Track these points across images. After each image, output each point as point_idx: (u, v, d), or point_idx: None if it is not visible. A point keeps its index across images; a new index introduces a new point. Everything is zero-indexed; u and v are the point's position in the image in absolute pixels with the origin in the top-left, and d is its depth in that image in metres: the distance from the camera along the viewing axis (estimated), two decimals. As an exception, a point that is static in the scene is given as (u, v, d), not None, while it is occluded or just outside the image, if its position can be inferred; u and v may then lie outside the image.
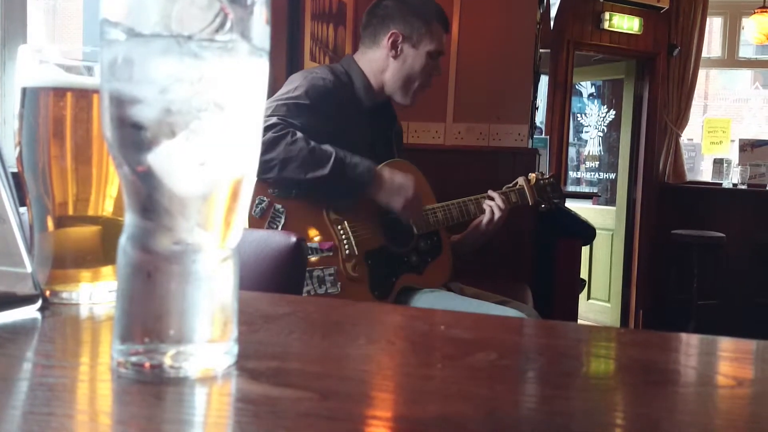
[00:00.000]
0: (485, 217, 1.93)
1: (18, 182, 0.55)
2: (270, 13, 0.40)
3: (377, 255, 1.79)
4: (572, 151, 6.31)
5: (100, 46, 0.38)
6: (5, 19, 1.75)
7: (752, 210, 5.20)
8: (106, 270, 0.57)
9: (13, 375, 0.39)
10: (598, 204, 5.87)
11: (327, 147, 1.67)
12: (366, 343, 0.49)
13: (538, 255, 3.12)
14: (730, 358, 0.51)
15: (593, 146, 6.25)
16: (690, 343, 0.55)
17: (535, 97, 3.47)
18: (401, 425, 0.34)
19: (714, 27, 6.30)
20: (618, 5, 5.01)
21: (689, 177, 5.69)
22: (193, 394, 0.37)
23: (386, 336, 0.52)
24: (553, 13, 4.73)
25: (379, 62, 1.89)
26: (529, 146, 3.25)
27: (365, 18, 1.95)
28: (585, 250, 4.70)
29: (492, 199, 1.93)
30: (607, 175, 6.07)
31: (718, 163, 5.59)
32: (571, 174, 6.24)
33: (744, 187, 5.30)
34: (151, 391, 0.36)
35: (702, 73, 5.75)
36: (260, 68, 0.40)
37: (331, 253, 1.71)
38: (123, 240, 0.40)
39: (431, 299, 1.80)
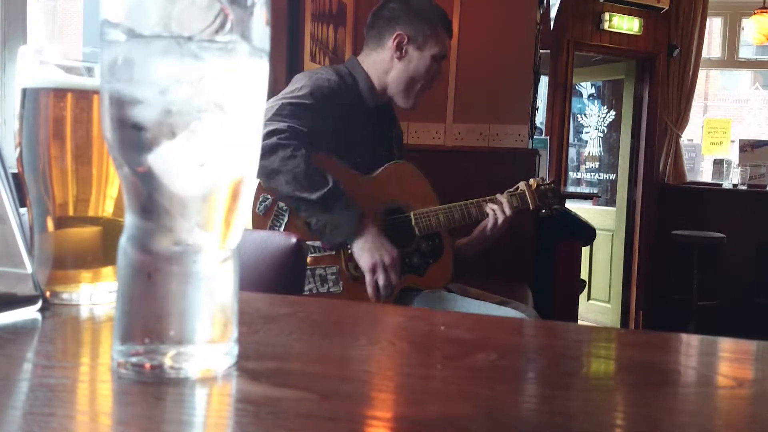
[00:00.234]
0: (489, 221, 1.93)
1: (18, 183, 0.55)
2: (270, 14, 0.40)
3: None
4: (572, 152, 6.31)
5: (100, 46, 0.38)
6: (5, 20, 1.75)
7: (752, 210, 5.20)
8: (107, 271, 0.57)
9: (14, 375, 0.39)
10: (598, 205, 5.86)
11: (329, 176, 1.65)
12: (366, 344, 0.49)
13: (539, 256, 3.12)
14: (730, 359, 0.51)
15: (593, 147, 6.25)
16: (690, 343, 0.55)
17: (535, 98, 3.48)
18: (401, 425, 0.34)
19: (714, 27, 6.30)
20: (618, 6, 5.01)
21: (689, 177, 5.69)
22: (194, 394, 0.37)
23: (386, 336, 0.52)
24: (553, 13, 4.74)
25: (383, 63, 1.90)
26: (529, 147, 3.25)
27: (370, 19, 1.95)
28: (585, 250, 4.70)
29: (499, 202, 1.93)
30: (607, 176, 6.07)
31: (718, 163, 5.59)
32: (571, 175, 6.24)
33: (744, 187, 5.29)
34: (151, 391, 0.36)
35: (702, 73, 5.75)
36: (260, 69, 0.40)
37: (333, 252, 1.72)
38: (123, 241, 0.40)
39: (432, 300, 1.80)
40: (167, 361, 0.38)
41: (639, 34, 5.12)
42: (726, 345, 0.53)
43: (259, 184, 1.65)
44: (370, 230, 1.71)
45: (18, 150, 0.57)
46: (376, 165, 1.85)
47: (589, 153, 6.32)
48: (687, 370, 0.47)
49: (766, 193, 5.18)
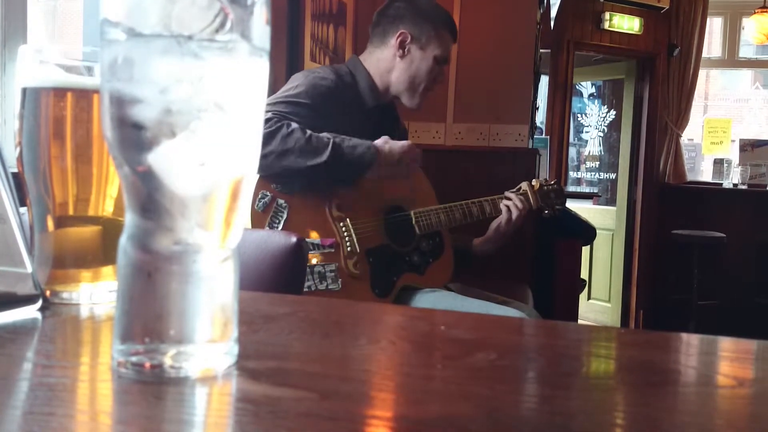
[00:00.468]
0: (503, 217, 1.94)
1: (18, 182, 0.55)
2: (270, 14, 0.40)
3: (379, 253, 1.79)
4: (572, 152, 6.31)
5: (100, 46, 0.38)
6: (5, 19, 1.75)
7: (752, 210, 5.20)
8: (107, 270, 0.57)
9: (14, 375, 0.39)
10: (599, 204, 5.86)
11: (324, 134, 1.67)
12: (366, 343, 0.49)
13: (539, 255, 3.12)
14: (730, 358, 0.51)
15: (593, 146, 6.24)
16: (690, 343, 0.55)
17: (535, 98, 3.47)
18: (402, 425, 0.34)
19: (714, 27, 6.29)
20: (618, 5, 5.01)
21: (689, 177, 5.69)
22: (194, 394, 0.37)
23: (387, 336, 0.52)
24: (553, 13, 4.73)
25: (385, 62, 1.90)
26: (530, 146, 3.25)
27: (375, 18, 1.96)
28: (585, 250, 4.69)
29: (509, 199, 1.94)
30: (608, 176, 6.07)
31: (718, 163, 5.59)
32: (572, 174, 6.24)
33: (744, 187, 5.29)
34: (151, 391, 0.36)
35: (702, 73, 5.75)
36: (260, 68, 0.40)
37: (332, 250, 1.72)
38: (123, 240, 0.40)
39: (432, 299, 1.80)
40: (167, 361, 0.38)
41: (639, 33, 5.12)
42: (726, 345, 0.53)
43: (259, 179, 1.65)
44: (384, 149, 1.74)
45: (18, 149, 0.57)
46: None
47: (589, 152, 6.32)
48: (687, 369, 0.47)
49: (766, 193, 5.18)
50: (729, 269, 5.13)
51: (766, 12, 5.31)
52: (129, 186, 0.39)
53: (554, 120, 4.94)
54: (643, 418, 0.36)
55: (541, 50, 3.65)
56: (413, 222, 1.86)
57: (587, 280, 5.42)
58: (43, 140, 0.56)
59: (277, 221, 1.67)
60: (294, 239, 1.15)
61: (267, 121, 1.62)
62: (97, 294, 0.56)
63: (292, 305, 0.60)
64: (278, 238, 1.16)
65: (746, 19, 5.64)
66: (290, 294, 0.67)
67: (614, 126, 5.92)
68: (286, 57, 2.58)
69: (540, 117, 4.70)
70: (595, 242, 4.87)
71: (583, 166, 6.42)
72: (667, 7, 5.13)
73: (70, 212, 0.57)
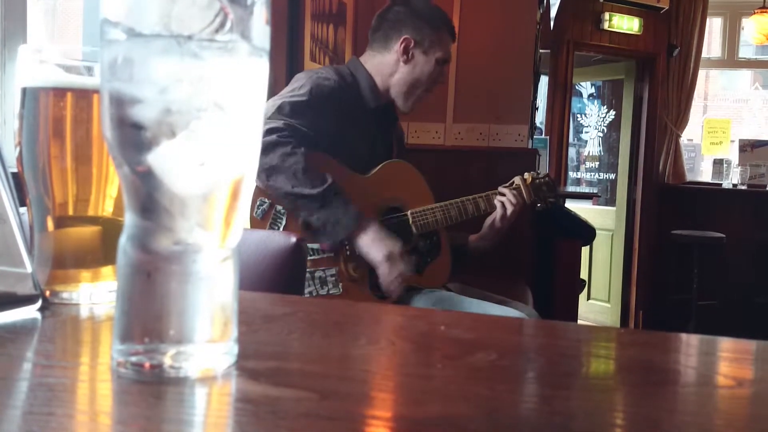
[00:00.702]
0: (498, 213, 1.94)
1: (18, 182, 0.55)
2: (270, 14, 0.40)
3: None
4: (572, 152, 6.31)
5: (100, 46, 0.38)
6: (5, 19, 1.75)
7: (752, 210, 5.20)
8: (106, 270, 0.57)
9: (13, 375, 0.39)
10: (598, 204, 5.86)
11: (327, 175, 1.64)
12: (366, 343, 0.49)
13: (539, 255, 3.12)
14: (730, 358, 0.51)
15: (593, 146, 6.24)
16: (690, 343, 0.55)
17: (535, 98, 3.48)
18: (401, 425, 0.34)
19: (714, 27, 6.29)
20: (618, 5, 5.01)
21: (689, 177, 5.69)
22: (193, 394, 0.37)
23: (386, 336, 0.52)
24: (553, 13, 4.73)
25: (388, 66, 1.90)
26: (529, 146, 3.25)
27: (375, 21, 1.96)
28: (585, 250, 4.70)
29: (503, 194, 1.94)
30: (607, 176, 6.07)
31: (718, 163, 5.59)
32: (571, 174, 6.24)
33: (744, 187, 5.29)
34: (151, 391, 0.36)
35: (702, 73, 5.75)
36: (260, 68, 0.40)
37: (332, 254, 1.72)
38: (123, 240, 0.40)
39: (431, 299, 1.80)
40: (167, 361, 0.38)
41: (639, 33, 5.12)
42: (726, 345, 0.53)
43: (257, 187, 1.65)
44: (372, 223, 1.71)
45: (18, 149, 0.57)
46: (376, 165, 1.85)
47: (589, 153, 6.32)
48: (687, 369, 0.47)
49: (766, 193, 5.18)
50: (729, 269, 5.12)
51: (765, 12, 5.31)
52: (129, 186, 0.39)
53: (554, 120, 4.94)
54: (643, 418, 0.36)
55: (540, 50, 3.65)
56: (410, 222, 1.86)
57: (587, 280, 5.42)
58: (42, 140, 0.56)
59: (276, 228, 1.67)
60: (294, 239, 1.15)
61: (279, 130, 1.61)
62: (96, 294, 0.56)
63: (292, 305, 0.60)
64: (278, 239, 1.17)
65: (746, 19, 5.64)
66: (290, 294, 0.67)
67: (614, 126, 5.92)
68: (286, 57, 2.58)
69: (540, 117, 4.70)
70: (594, 242, 4.87)
71: (582, 167, 6.42)
72: (667, 8, 5.13)
73: (70, 212, 0.57)
